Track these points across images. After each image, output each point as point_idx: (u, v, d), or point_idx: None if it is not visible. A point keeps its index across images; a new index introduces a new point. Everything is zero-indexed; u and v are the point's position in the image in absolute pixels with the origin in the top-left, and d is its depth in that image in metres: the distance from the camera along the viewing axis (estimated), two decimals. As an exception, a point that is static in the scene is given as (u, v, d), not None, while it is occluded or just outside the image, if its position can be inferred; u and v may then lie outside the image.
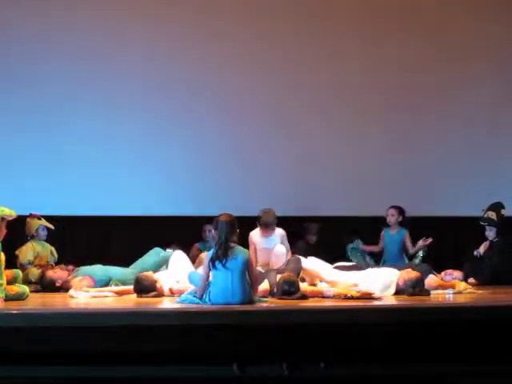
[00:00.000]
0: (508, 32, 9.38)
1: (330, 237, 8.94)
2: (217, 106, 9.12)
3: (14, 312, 5.21)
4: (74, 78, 8.89)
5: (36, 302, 6.14)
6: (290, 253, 7.49)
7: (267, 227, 7.45)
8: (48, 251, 7.96)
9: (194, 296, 5.81)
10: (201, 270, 6.09)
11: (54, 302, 6.15)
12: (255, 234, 7.56)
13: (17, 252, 7.82)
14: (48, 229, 7.95)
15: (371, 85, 9.29)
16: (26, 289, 6.24)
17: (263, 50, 9.20)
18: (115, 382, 5.00)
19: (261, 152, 9.18)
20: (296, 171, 9.17)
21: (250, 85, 9.20)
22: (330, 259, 7.26)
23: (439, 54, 9.32)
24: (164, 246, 7.52)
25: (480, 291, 6.74)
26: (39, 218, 7.95)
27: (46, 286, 7.11)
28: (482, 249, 8.00)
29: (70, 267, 7.42)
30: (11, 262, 7.67)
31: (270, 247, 7.41)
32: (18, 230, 7.89)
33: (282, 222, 7.74)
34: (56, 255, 8.02)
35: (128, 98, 8.99)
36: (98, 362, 4.97)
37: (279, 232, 7.57)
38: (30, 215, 7.93)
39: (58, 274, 7.12)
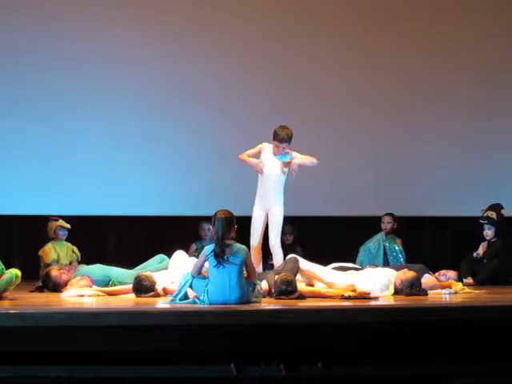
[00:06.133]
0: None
1: (331, 237, 8.99)
2: (216, 106, 9.14)
3: (14, 312, 5.23)
4: (73, 79, 8.92)
5: (36, 301, 6.15)
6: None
7: (281, 143, 6.89)
8: (69, 251, 8.06)
9: (185, 297, 5.82)
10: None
11: (53, 302, 6.15)
12: (267, 146, 7.07)
13: (40, 253, 7.93)
14: (67, 228, 8.09)
15: (371, 85, 9.32)
16: (13, 272, 6.11)
17: (265, 49, 9.24)
18: (115, 381, 5.01)
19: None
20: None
21: (249, 84, 9.22)
22: (331, 259, 7.29)
23: (437, 57, 9.36)
24: (164, 247, 7.55)
25: (477, 291, 6.78)
26: (56, 220, 8.09)
27: (48, 286, 6.94)
28: (481, 250, 8.02)
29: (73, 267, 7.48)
30: (35, 264, 7.86)
31: (280, 160, 6.98)
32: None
33: (283, 222, 7.74)
34: (78, 253, 8.10)
35: (128, 99, 9.01)
36: (98, 362, 4.97)
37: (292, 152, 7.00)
38: (49, 219, 8.10)
39: (62, 278, 6.90)
